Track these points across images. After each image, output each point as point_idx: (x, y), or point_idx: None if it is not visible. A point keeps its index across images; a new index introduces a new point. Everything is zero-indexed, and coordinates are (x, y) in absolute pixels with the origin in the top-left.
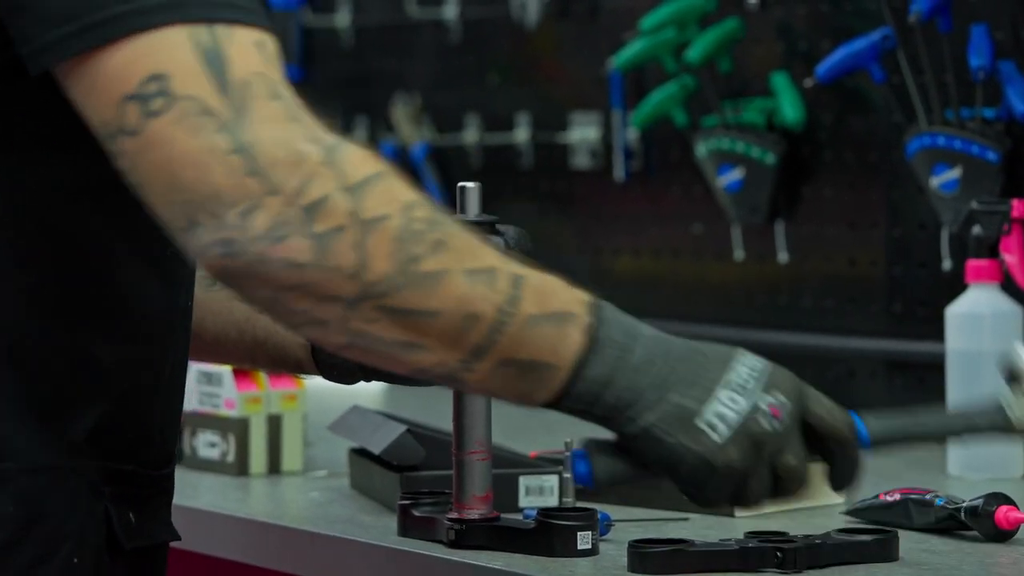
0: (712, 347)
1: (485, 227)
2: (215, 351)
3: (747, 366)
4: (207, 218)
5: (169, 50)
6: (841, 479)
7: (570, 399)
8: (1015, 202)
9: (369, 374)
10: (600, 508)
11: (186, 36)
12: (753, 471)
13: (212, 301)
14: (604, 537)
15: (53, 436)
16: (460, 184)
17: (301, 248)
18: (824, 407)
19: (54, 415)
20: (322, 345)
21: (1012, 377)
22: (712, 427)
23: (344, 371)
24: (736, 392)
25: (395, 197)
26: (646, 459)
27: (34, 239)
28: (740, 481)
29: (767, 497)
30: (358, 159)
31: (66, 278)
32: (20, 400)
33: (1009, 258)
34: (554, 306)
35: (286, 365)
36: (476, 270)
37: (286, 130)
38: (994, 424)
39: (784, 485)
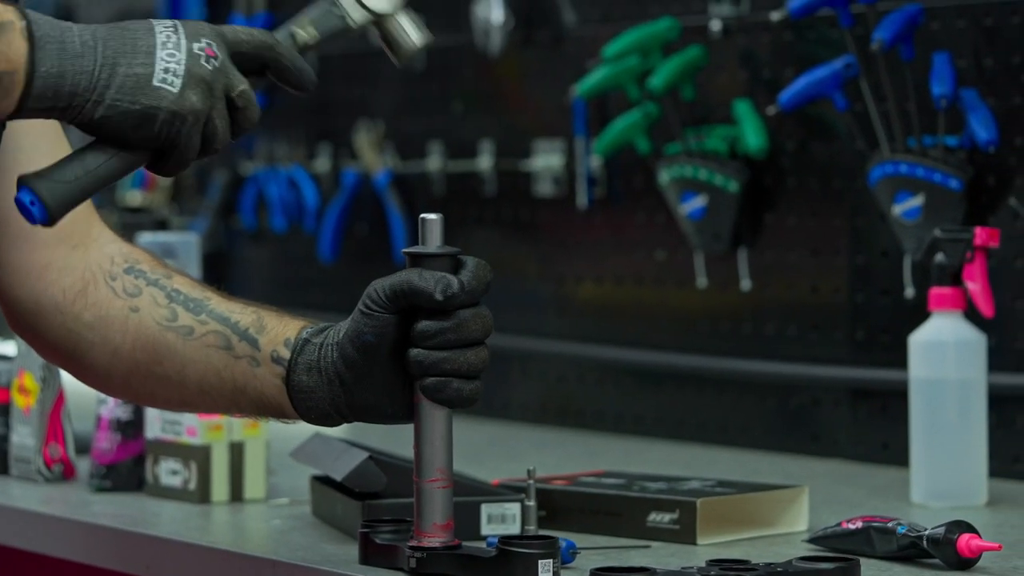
0: (130, 21)
1: (447, 259)
2: (202, 401)
3: (164, 26)
4: None
5: None
6: (294, 73)
7: (32, 99)
8: (978, 230)
9: (347, 416)
10: (565, 536)
11: None
12: (213, 109)
13: (191, 349)
14: (569, 565)
15: None
16: (422, 216)
17: None
18: (241, 30)
19: None
20: None
21: None
22: (166, 83)
23: (321, 414)
24: (171, 49)
25: None
26: (121, 137)
27: None
28: (205, 122)
29: (228, 132)
30: None
31: None
32: None
33: (972, 286)
34: None
35: (269, 410)
36: None
37: None
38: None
39: (242, 114)
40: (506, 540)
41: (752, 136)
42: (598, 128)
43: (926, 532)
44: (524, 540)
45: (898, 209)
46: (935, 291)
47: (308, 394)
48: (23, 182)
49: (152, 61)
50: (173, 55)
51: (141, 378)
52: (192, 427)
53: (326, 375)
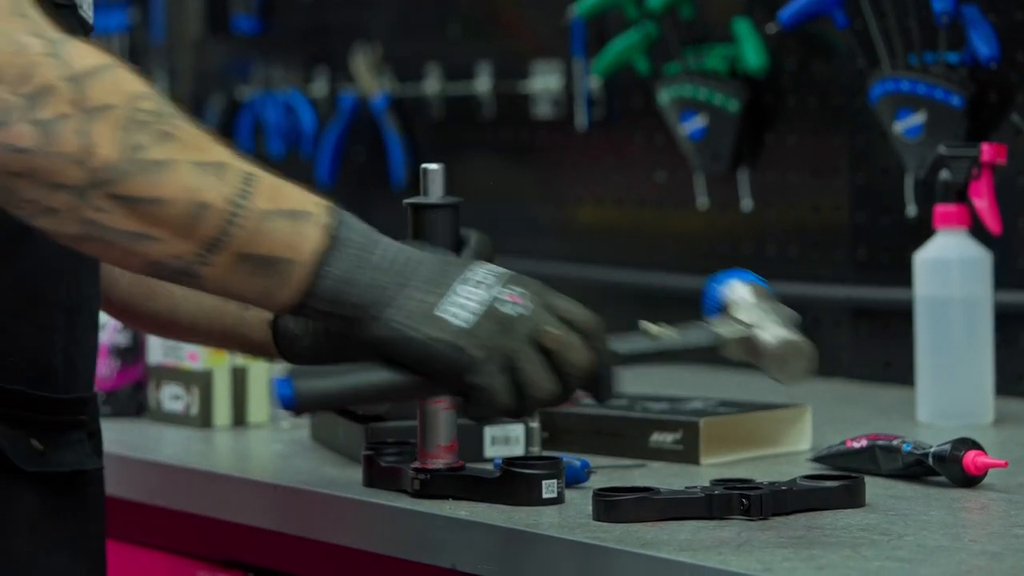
0: (455, 256)
1: (449, 209)
2: (192, 334)
3: (487, 268)
4: None
5: None
6: (598, 386)
7: (314, 297)
8: (984, 146)
9: (335, 354)
10: (578, 456)
11: None
12: (516, 353)
13: (182, 288)
14: (584, 484)
15: None
16: (423, 166)
17: (24, 134)
18: (567, 301)
19: None
20: (60, 238)
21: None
22: (454, 316)
23: (305, 360)
24: (474, 287)
25: (121, 88)
26: (409, 364)
27: None
28: (509, 365)
29: (547, 380)
30: (84, 51)
31: None
32: None
33: (979, 202)
34: (289, 204)
35: (254, 350)
36: (205, 163)
37: (9, 24)
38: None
39: (560, 358)
40: (509, 461)
41: (752, 55)
42: (597, 48)
43: (931, 449)
44: (527, 461)
45: (899, 127)
46: (940, 208)
47: (293, 340)
48: (290, 373)
49: (445, 292)
50: (474, 294)
51: (134, 312)
52: (194, 352)
53: (311, 323)
